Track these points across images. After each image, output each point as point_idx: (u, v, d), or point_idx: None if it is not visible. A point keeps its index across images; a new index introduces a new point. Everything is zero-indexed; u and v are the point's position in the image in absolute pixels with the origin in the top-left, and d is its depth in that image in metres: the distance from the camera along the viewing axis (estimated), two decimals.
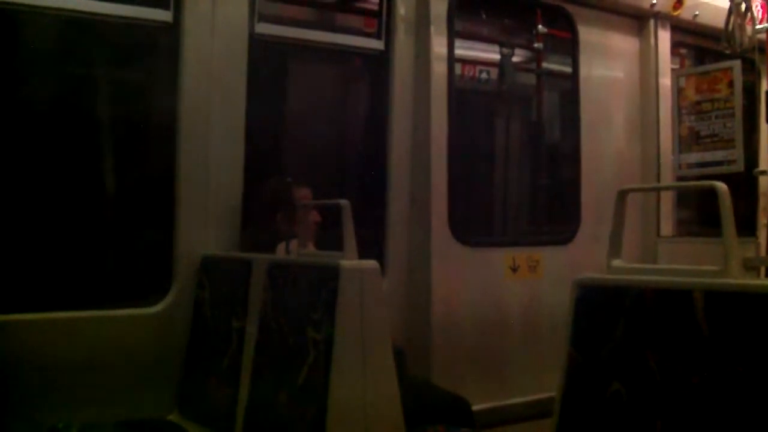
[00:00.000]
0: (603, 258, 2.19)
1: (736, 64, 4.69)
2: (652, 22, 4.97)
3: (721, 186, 1.91)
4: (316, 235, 3.43)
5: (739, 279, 1.82)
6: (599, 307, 2.05)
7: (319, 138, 4.45)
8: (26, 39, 3.23)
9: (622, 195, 2.17)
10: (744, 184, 4.80)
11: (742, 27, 4.49)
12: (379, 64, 4.09)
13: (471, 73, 5.06)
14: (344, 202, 2.73)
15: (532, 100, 4.91)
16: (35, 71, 3.27)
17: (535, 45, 4.67)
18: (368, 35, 4.16)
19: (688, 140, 4.90)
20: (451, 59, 4.15)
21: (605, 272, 2.16)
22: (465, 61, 4.83)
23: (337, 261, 2.63)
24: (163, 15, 3.44)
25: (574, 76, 4.68)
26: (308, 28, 4.08)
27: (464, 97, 4.56)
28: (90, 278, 3.31)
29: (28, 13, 3.17)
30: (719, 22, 4.59)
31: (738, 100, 4.68)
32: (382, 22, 4.03)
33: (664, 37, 5.03)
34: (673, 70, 5.13)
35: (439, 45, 4.09)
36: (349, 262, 2.64)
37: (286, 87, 4.55)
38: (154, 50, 3.66)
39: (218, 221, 3.50)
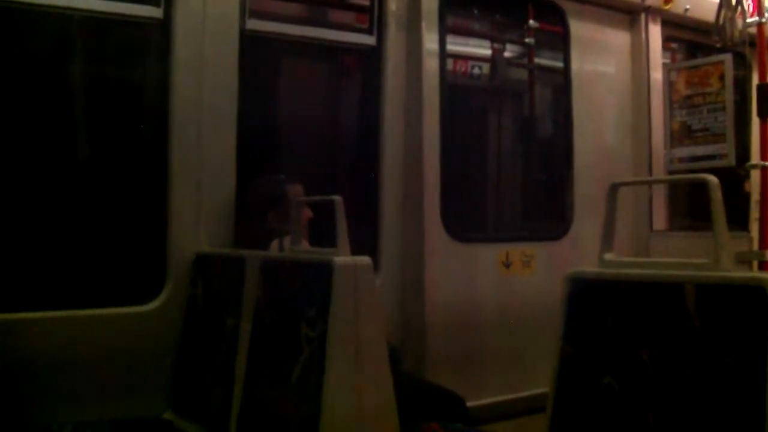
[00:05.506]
0: (596, 252, 2.19)
1: (727, 58, 4.70)
2: (643, 16, 4.97)
3: (712, 179, 1.92)
4: (309, 231, 3.43)
5: (730, 272, 1.82)
6: (591, 301, 2.05)
7: (311, 134, 4.44)
8: (14, 35, 3.21)
9: (614, 189, 2.18)
10: (736, 178, 4.81)
11: (732, 21, 4.50)
12: (371, 59, 4.08)
13: (463, 69, 5.06)
14: (337, 198, 2.72)
15: (524, 95, 4.92)
16: (24, 68, 3.25)
17: (527, 40, 4.68)
18: (360, 31, 4.15)
19: (679, 134, 4.91)
20: (443, 55, 4.14)
21: (598, 266, 2.16)
22: (457, 57, 4.83)
23: (330, 257, 2.62)
24: (153, 12, 3.42)
25: (566, 71, 4.67)
26: (299, 23, 4.07)
27: (456, 92, 4.56)
28: (83, 277, 3.29)
29: (16, 10, 3.15)
30: (710, 16, 4.61)
31: (729, 94, 4.68)
32: (374, 17, 4.02)
33: (655, 32, 5.03)
34: (664, 64, 5.13)
35: (430, 40, 4.08)
36: (342, 258, 2.63)
37: (278, 83, 4.54)
38: (144, 47, 3.64)
39: (211, 218, 3.49)
